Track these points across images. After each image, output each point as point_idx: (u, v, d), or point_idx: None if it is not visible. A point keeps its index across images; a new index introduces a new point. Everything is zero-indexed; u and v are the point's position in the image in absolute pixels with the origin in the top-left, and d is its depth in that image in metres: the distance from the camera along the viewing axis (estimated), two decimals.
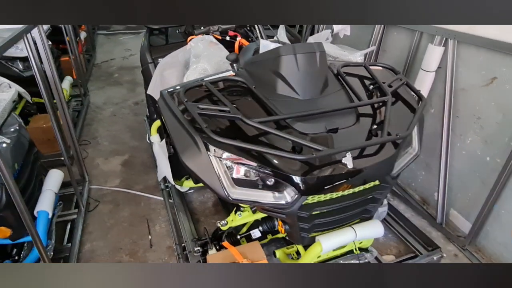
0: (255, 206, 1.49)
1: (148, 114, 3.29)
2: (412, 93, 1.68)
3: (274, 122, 1.41)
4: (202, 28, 1.81)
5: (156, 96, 2.35)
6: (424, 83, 2.13)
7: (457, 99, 2.04)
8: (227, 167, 1.36)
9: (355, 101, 1.57)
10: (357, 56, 2.07)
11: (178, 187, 2.23)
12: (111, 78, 4.83)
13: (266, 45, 1.64)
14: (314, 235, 1.50)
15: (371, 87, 1.69)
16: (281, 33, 2.30)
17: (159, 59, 2.50)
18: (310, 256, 1.51)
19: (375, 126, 1.48)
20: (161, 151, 2.28)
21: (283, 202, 1.36)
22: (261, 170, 1.33)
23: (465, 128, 2.03)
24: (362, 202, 1.50)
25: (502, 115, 1.82)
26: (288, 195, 1.36)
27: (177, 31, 2.81)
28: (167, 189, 2.45)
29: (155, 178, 2.68)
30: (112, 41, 6.57)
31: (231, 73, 1.68)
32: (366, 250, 1.67)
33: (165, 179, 2.44)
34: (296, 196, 1.35)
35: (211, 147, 1.33)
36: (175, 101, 1.54)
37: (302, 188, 1.32)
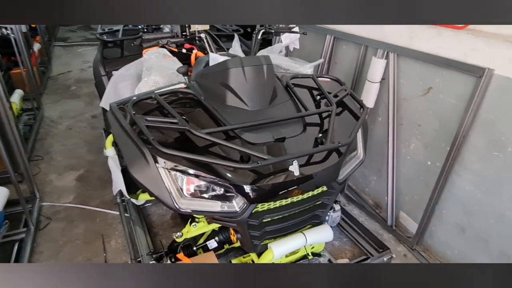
0: (206, 216, 1.51)
1: (104, 127, 3.22)
2: (356, 102, 1.78)
3: (223, 132, 1.44)
4: (160, 42, 1.82)
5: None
6: (370, 93, 2.26)
7: (400, 108, 2.18)
8: (175, 179, 1.37)
9: (302, 111, 1.65)
10: (307, 68, 2.17)
11: (133, 200, 2.19)
12: (68, 91, 4.68)
13: (215, 58, 1.68)
14: (266, 242, 1.54)
15: (318, 97, 1.78)
16: (236, 45, 2.36)
17: (113, 72, 2.48)
18: (261, 261, 1.53)
19: (320, 135, 1.56)
20: (115, 164, 2.24)
21: (232, 210, 1.39)
22: (209, 180, 1.36)
23: (409, 135, 2.17)
24: (310, 208, 1.56)
25: (439, 122, 1.97)
26: (237, 204, 1.39)
27: (132, 43, 2.80)
28: (124, 203, 2.40)
29: (112, 193, 2.62)
30: (70, 53, 6.38)
31: (182, 85, 1.71)
32: (319, 254, 1.73)
33: (121, 193, 2.39)
34: (245, 204, 1.38)
35: (160, 159, 1.34)
36: (125, 113, 1.53)
37: (250, 196, 1.36)
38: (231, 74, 1.56)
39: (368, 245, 2.10)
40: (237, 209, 1.39)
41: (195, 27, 1.83)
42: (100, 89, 2.50)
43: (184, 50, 2.39)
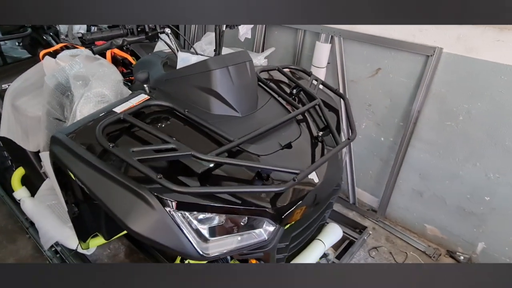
0: (234, 254, 1.25)
1: None
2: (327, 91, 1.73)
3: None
4: (114, 42, 1.36)
5: (15, 138, 1.72)
6: None
7: (349, 90, 2.24)
8: (190, 221, 1.07)
9: (289, 110, 1.51)
10: (261, 59, 2.00)
11: (82, 251, 1.69)
12: None
13: (186, 58, 1.36)
14: (289, 260, 1.39)
15: (294, 91, 1.66)
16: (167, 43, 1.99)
17: (2, 86, 1.83)
18: None
19: (321, 133, 1.46)
20: (44, 210, 1.69)
21: (262, 239, 1.18)
22: (229, 211, 1.11)
23: (360, 115, 2.26)
24: (323, 210, 1.47)
25: (390, 100, 2.09)
26: (265, 231, 1.19)
27: (17, 43, 2.11)
28: (58, 255, 1.84)
29: (30, 245, 1.99)
30: None
31: (144, 96, 1.34)
32: (325, 254, 1.67)
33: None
34: (275, 228, 1.19)
35: (168, 201, 1.01)
36: (84, 145, 1.12)
37: (281, 217, 1.18)
38: (216, 77, 1.29)
39: (345, 228, 2.14)
40: (266, 236, 1.18)
41: None
42: None
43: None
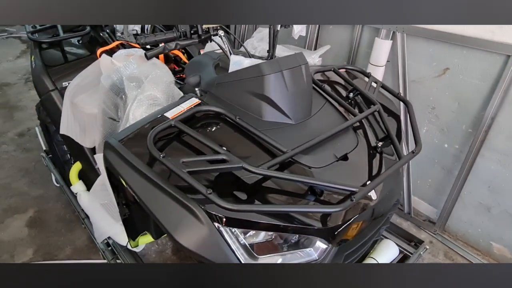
0: None
1: (45, 149, 2.57)
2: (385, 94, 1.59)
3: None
4: (168, 47, 1.34)
5: (74, 135, 1.79)
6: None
7: (410, 91, 2.05)
8: (237, 237, 1.02)
9: (345, 116, 1.40)
10: (315, 58, 1.89)
11: (131, 248, 1.74)
12: None
13: (238, 62, 1.30)
14: None
15: (351, 94, 1.54)
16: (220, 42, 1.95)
17: (63, 83, 1.91)
18: None
19: (380, 143, 1.33)
20: (93, 203, 1.75)
21: (312, 259, 1.11)
22: (279, 229, 1.04)
23: (421, 118, 2.07)
24: (380, 227, 1.36)
25: (458, 104, 1.88)
26: (316, 250, 1.11)
27: (78, 41, 2.19)
28: (109, 247, 1.91)
29: (85, 235, 2.09)
30: None
31: (195, 100, 1.31)
32: None
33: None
34: (327, 247, 1.11)
35: (217, 216, 0.97)
36: (134, 151, 1.11)
37: (333, 236, 1.09)
38: (269, 82, 1.22)
39: (399, 241, 1.99)
40: (317, 256, 1.11)
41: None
42: (50, 109, 1.91)
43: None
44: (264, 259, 1.04)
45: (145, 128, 1.19)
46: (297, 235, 1.09)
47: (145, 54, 1.34)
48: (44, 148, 2.68)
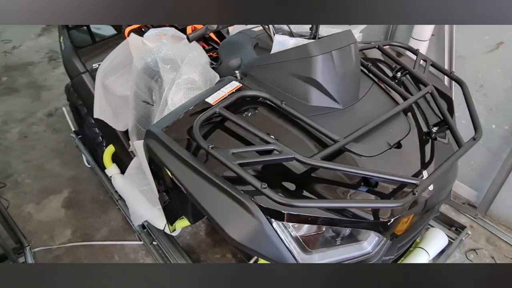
0: None
1: (74, 129, 2.59)
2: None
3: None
4: (209, 28, 1.27)
5: (107, 119, 1.76)
6: None
7: (456, 67, 1.91)
8: (291, 231, 0.98)
9: (395, 99, 1.31)
10: (356, 33, 1.76)
11: (169, 232, 1.74)
12: None
13: (283, 42, 1.21)
14: None
15: (399, 74, 1.43)
16: None
17: (93, 65, 1.86)
18: None
19: (435, 129, 1.24)
20: (128, 186, 1.75)
21: (365, 252, 1.06)
22: (335, 223, 0.99)
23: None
24: (429, 217, 1.29)
25: (511, 82, 1.74)
26: (369, 243, 1.06)
27: None
28: (145, 229, 1.93)
29: (119, 216, 2.12)
30: None
31: (236, 84, 1.24)
32: None
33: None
34: (382, 241, 1.06)
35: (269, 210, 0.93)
36: (178, 140, 1.06)
37: (387, 229, 1.03)
38: (318, 64, 1.13)
39: (439, 225, 1.92)
40: (371, 249, 1.06)
41: None
42: (83, 92, 1.88)
43: None
44: (317, 253, 1.00)
45: (188, 115, 1.14)
46: (348, 230, 1.04)
47: (187, 36, 1.26)
48: (73, 129, 2.70)
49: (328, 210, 0.94)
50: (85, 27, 2.05)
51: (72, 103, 2.29)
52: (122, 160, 1.92)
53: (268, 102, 1.15)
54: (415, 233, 1.21)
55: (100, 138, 2.09)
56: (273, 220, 0.93)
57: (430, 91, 1.29)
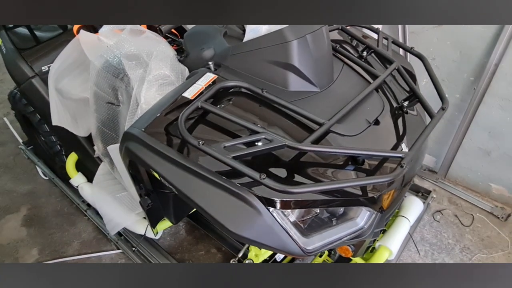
0: (331, 248, 1.18)
1: (22, 140, 2.37)
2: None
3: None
4: None
5: (66, 124, 1.63)
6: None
7: (409, 43, 2.02)
8: (289, 217, 0.99)
9: (366, 78, 1.35)
10: None
11: (152, 236, 1.67)
12: None
13: (255, 29, 1.19)
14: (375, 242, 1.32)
15: (364, 53, 1.48)
16: None
17: (42, 68, 1.70)
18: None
19: (406, 103, 1.31)
20: (107, 198, 1.64)
21: (359, 227, 1.10)
22: (333, 204, 1.02)
23: (420, 70, 2.04)
24: (407, 188, 1.37)
25: (459, 53, 1.88)
26: (363, 218, 1.10)
27: None
28: (122, 237, 1.84)
29: (90, 227, 1.99)
30: None
31: (211, 76, 1.20)
32: None
33: None
34: (373, 214, 1.11)
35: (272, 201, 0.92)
36: (160, 139, 1.02)
37: (380, 203, 1.08)
38: (294, 48, 1.13)
39: (407, 193, 2.05)
40: (363, 224, 1.10)
41: None
42: (32, 98, 1.71)
43: None
44: (316, 235, 1.01)
45: (167, 112, 1.08)
46: (342, 208, 1.08)
47: (160, 29, 1.19)
48: (20, 140, 2.47)
49: (325, 192, 0.96)
50: (24, 27, 1.85)
51: (19, 112, 2.08)
52: (87, 167, 1.80)
53: (246, 91, 1.13)
54: (398, 204, 1.28)
55: (58, 146, 1.93)
56: (275, 210, 0.92)
57: (396, 67, 1.35)
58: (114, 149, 1.25)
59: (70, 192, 2.07)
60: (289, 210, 0.97)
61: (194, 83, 1.17)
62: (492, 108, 1.89)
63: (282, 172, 0.99)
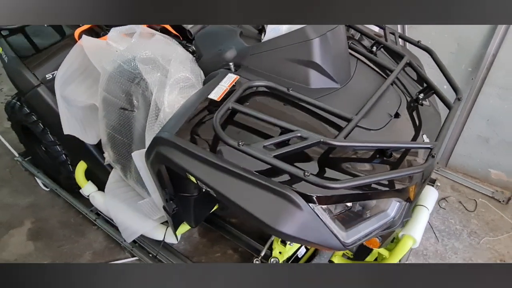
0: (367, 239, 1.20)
1: (19, 152, 2.30)
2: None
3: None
4: None
5: (76, 133, 1.59)
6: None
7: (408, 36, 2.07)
8: (330, 210, 1.01)
9: (381, 72, 1.39)
10: None
11: (173, 241, 1.65)
12: None
13: (275, 29, 1.20)
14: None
15: (374, 49, 1.51)
16: None
17: (46, 76, 1.65)
18: (401, 253, 1.35)
19: (421, 95, 1.35)
20: (119, 205, 1.62)
21: (389, 218, 1.13)
22: (371, 196, 1.04)
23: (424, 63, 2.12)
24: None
25: (457, 45, 1.95)
26: (393, 209, 1.13)
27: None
28: (136, 244, 1.81)
29: (100, 236, 1.95)
30: None
31: (234, 76, 1.20)
32: None
33: None
34: (402, 205, 1.14)
35: (313, 197, 0.93)
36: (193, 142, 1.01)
37: (408, 194, 1.11)
38: (315, 46, 1.15)
39: None
40: (394, 215, 1.13)
41: None
42: (38, 107, 1.66)
43: None
44: (353, 228, 1.03)
45: (195, 115, 1.08)
46: (375, 201, 1.10)
47: (189, 32, 1.18)
48: (14, 152, 2.39)
49: (362, 186, 0.98)
50: (22, 35, 1.79)
51: (17, 122, 2.01)
52: (98, 176, 1.76)
53: (270, 90, 1.13)
54: (419, 194, 1.32)
55: (64, 156, 1.88)
56: (316, 207, 0.93)
57: (408, 61, 1.39)
58: (139, 155, 1.24)
59: (76, 202, 2.01)
60: (328, 206, 0.99)
61: (218, 84, 1.17)
62: (490, 97, 1.96)
63: (315, 168, 1.00)
